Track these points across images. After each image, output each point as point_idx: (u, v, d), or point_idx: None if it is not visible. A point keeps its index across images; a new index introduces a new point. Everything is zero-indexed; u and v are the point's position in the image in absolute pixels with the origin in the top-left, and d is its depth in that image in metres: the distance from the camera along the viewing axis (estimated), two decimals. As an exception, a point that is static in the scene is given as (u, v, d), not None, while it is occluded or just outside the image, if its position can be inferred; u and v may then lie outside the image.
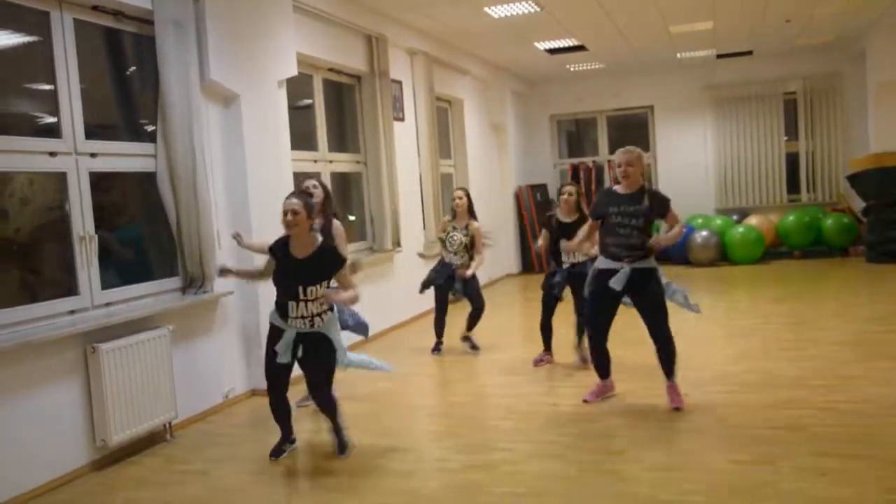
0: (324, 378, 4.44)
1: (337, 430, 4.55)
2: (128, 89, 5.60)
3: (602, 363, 5.28)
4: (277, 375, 4.44)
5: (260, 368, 5.95)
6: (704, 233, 12.34)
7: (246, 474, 4.33)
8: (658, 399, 5.14)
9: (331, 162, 7.83)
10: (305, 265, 4.25)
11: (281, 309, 4.35)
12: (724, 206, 13.68)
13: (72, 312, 4.62)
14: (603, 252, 5.08)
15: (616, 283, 4.91)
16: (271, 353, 4.39)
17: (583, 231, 5.47)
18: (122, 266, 5.25)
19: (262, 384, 5.92)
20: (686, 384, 5.29)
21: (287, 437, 4.64)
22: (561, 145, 15.29)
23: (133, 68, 5.56)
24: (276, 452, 4.58)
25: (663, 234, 5.05)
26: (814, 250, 12.50)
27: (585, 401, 5.26)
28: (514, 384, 5.95)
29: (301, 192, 4.36)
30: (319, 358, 4.37)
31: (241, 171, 5.94)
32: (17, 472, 4.10)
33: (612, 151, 14.56)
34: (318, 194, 5.36)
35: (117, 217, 5.49)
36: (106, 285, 4.88)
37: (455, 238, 6.95)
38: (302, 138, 7.29)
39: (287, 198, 4.28)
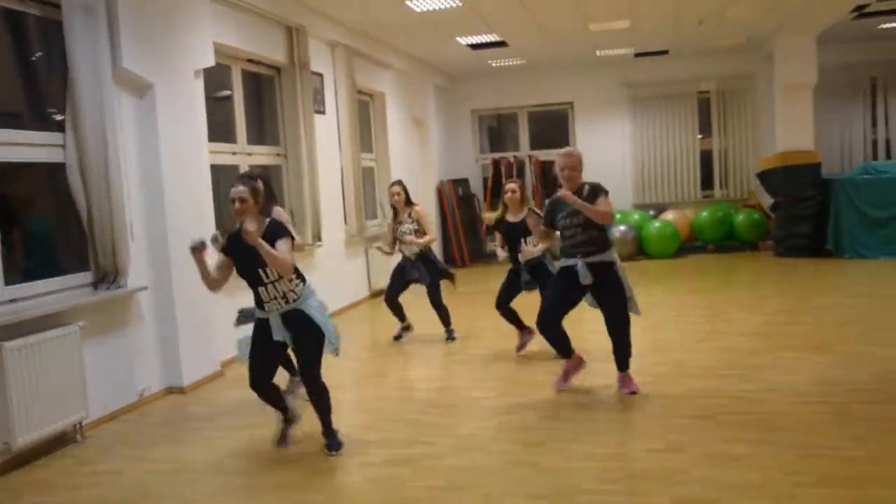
0: (311, 358, 4.31)
1: (326, 424, 4.42)
2: (33, 76, 5.37)
3: (562, 342, 5.37)
4: (266, 371, 4.40)
5: (176, 365, 5.88)
6: (622, 227, 12.64)
7: (159, 474, 4.22)
8: (577, 390, 5.26)
9: (250, 154, 7.69)
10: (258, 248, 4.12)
11: (258, 301, 4.30)
12: (641, 202, 14.05)
13: (-27, 309, 4.41)
14: (562, 253, 5.22)
15: (583, 279, 5.01)
16: (259, 349, 4.33)
17: (538, 237, 5.58)
18: (29, 260, 5.04)
19: (179, 381, 5.86)
20: (605, 376, 5.43)
21: (285, 414, 4.55)
22: (483, 140, 15.41)
23: (39, 54, 5.34)
24: (282, 439, 4.54)
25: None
26: (726, 244, 12.99)
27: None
28: (438, 377, 5.98)
29: (245, 176, 4.24)
30: (304, 337, 4.27)
31: (156, 162, 5.77)
32: (-86, 478, 3.90)
33: (533, 147, 14.79)
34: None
35: (23, 209, 5.27)
36: (10, 281, 4.67)
37: (406, 230, 6.98)
38: (220, 130, 7.13)
39: (233, 185, 4.15)
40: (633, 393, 5.12)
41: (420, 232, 6.98)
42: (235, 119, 7.51)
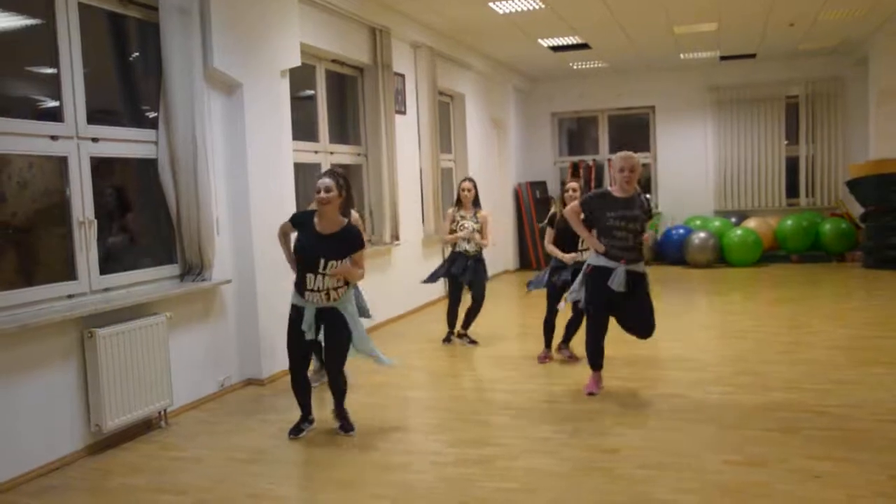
0: (339, 355, 4.59)
1: (340, 411, 4.76)
2: (131, 75, 5.58)
3: (600, 355, 5.39)
4: (299, 355, 4.62)
5: (256, 357, 6.02)
6: (702, 234, 12.35)
7: (239, 463, 4.33)
8: (654, 397, 5.16)
9: (331, 153, 7.82)
10: (328, 240, 4.42)
11: (299, 283, 4.50)
12: (722, 208, 13.69)
13: (70, 297, 4.61)
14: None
15: (617, 285, 5.02)
16: (295, 333, 4.55)
17: (582, 229, 5.41)
18: (121, 252, 5.24)
19: (258, 373, 5.99)
20: (682, 385, 5.31)
21: (307, 415, 4.79)
22: (561, 143, 15.28)
23: (136, 54, 5.55)
24: (296, 430, 4.74)
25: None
26: (811, 255, 12.51)
27: (591, 394, 5.32)
28: (511, 379, 5.95)
29: (332, 171, 4.57)
30: (336, 335, 4.52)
31: (242, 160, 5.92)
32: (12, 455, 4.10)
33: (612, 150, 14.57)
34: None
35: (118, 203, 5.47)
36: (104, 270, 4.87)
37: (466, 226, 6.98)
38: (303, 129, 7.27)
39: (320, 176, 4.48)
40: (592, 394, 5.28)
41: (479, 233, 6.99)
42: (318, 118, 7.65)
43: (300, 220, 4.57)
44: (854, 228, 12.23)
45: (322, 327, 4.52)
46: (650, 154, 14.35)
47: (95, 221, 4.76)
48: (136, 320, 4.78)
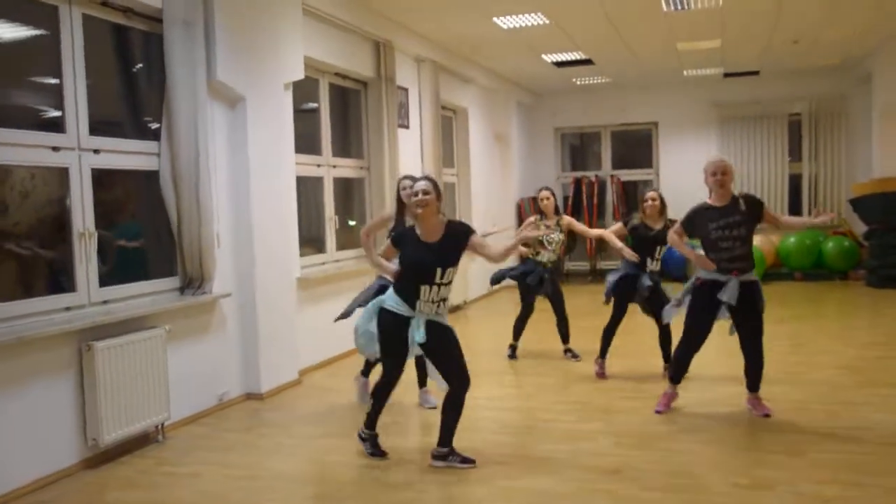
0: (459, 368, 4.26)
1: (450, 430, 4.32)
2: (134, 87, 5.57)
3: (683, 370, 5.27)
4: (402, 362, 4.38)
5: (255, 372, 5.97)
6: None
7: (235, 480, 4.27)
8: (655, 417, 5.11)
9: (334, 167, 7.79)
10: (441, 247, 4.16)
11: (410, 295, 4.20)
12: (725, 225, 13.62)
13: (68, 309, 4.57)
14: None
15: (729, 297, 4.84)
16: (396, 340, 4.27)
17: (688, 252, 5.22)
18: (120, 264, 5.20)
19: (257, 388, 5.94)
20: (687, 404, 5.26)
21: (372, 428, 4.55)
22: (564, 158, 15.27)
23: (140, 66, 5.53)
24: (380, 450, 4.53)
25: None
26: (814, 273, 12.44)
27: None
28: (513, 397, 5.89)
29: (428, 175, 4.38)
30: (450, 348, 4.27)
31: (245, 173, 5.90)
32: (8, 468, 4.05)
33: (615, 166, 14.57)
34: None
35: (118, 215, 5.45)
36: (104, 283, 4.83)
37: (553, 238, 6.86)
38: (306, 142, 7.25)
39: (415, 180, 4.29)
40: (767, 415, 5.02)
41: (564, 244, 6.93)
42: (321, 131, 7.63)
43: (401, 239, 4.31)
44: (857, 247, 12.19)
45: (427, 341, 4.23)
46: (653, 170, 14.34)
47: (96, 233, 4.73)
48: (134, 333, 4.74)
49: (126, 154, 5.08)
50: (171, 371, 5.03)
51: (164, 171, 5.20)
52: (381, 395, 4.50)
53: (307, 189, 7.37)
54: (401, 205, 5.51)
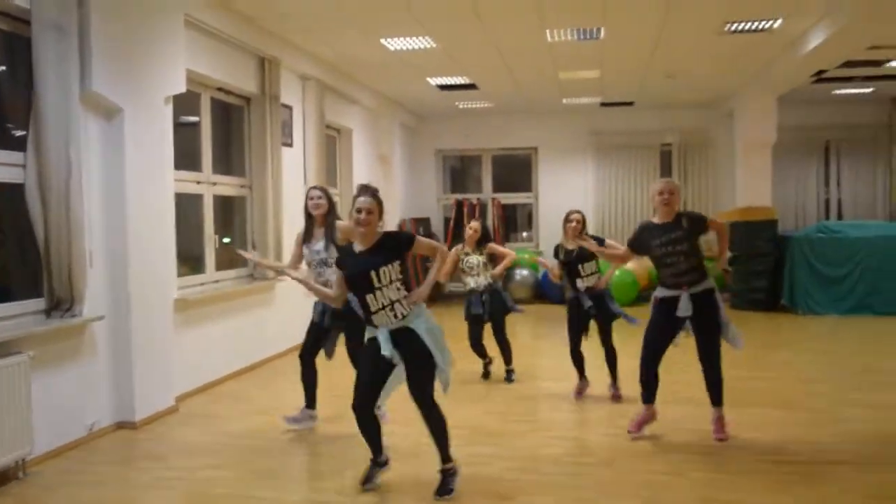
0: (423, 381, 4.16)
1: (443, 447, 4.25)
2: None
3: (650, 386, 5.30)
4: (371, 392, 4.21)
5: (129, 399, 5.66)
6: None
7: (110, 518, 4.00)
8: (554, 441, 5.17)
9: (214, 184, 7.53)
10: (370, 252, 4.14)
11: (365, 311, 4.15)
12: (601, 249, 14.11)
13: (-83, 334, 4.16)
14: (660, 283, 5.18)
15: (683, 311, 4.97)
16: (367, 370, 4.20)
17: (612, 256, 5.54)
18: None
19: (130, 416, 5.62)
20: (577, 425, 5.33)
21: (376, 457, 4.36)
22: (446, 180, 15.43)
23: (2, 68, 5.15)
24: (367, 479, 4.34)
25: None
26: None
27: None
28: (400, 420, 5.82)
29: (368, 187, 4.25)
30: (415, 358, 4.13)
31: (120, 188, 5.60)
32: None
33: (495, 189, 14.85)
34: (323, 204, 5.44)
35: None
36: (-42, 305, 4.44)
37: (474, 262, 6.89)
38: (185, 158, 6.96)
39: (358, 195, 4.19)
40: (722, 440, 5.10)
41: (488, 264, 6.90)
42: (202, 147, 7.36)
43: (343, 259, 4.28)
44: (723, 272, 12.89)
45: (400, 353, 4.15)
46: (532, 194, 14.70)
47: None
48: (-6, 360, 4.36)
49: (-13, 165, 4.71)
50: (34, 400, 4.66)
51: (30, 183, 4.84)
52: (361, 429, 4.32)
53: (186, 207, 7.07)
54: (308, 215, 5.52)
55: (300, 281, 4.47)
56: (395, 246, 4.17)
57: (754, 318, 11.05)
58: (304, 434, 5.47)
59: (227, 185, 7.85)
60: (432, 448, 4.25)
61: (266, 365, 7.99)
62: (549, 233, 14.24)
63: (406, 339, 4.14)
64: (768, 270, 11.55)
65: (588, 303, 6.23)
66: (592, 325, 6.38)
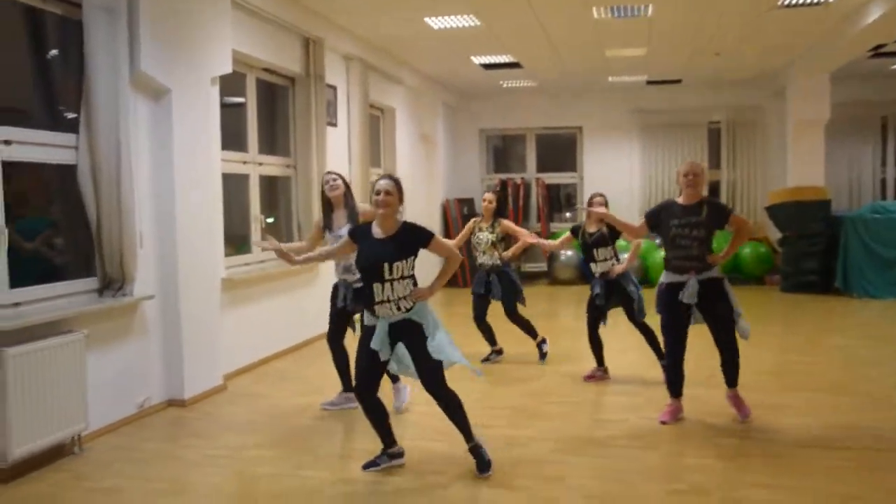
0: (434, 371, 4.16)
1: (464, 429, 4.27)
2: (49, 74, 5.26)
3: (676, 380, 5.26)
4: (367, 377, 4.25)
5: (179, 377, 5.76)
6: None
7: (159, 495, 4.06)
8: (592, 424, 5.14)
9: (260, 164, 7.58)
10: (389, 242, 4.14)
11: (367, 297, 4.17)
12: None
13: (-25, 312, 4.27)
14: (666, 266, 5.14)
15: (688, 298, 4.95)
16: (363, 354, 4.23)
17: (624, 226, 5.47)
18: (36, 263, 4.90)
19: (180, 394, 5.71)
20: (616, 409, 5.28)
21: (388, 445, 4.38)
22: (489, 160, 15.35)
23: (56, 52, 5.23)
24: (370, 464, 4.37)
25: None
26: (731, 277, 12.67)
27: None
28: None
29: (392, 175, 4.31)
30: (421, 348, 4.13)
31: (169, 168, 5.66)
32: None
33: (540, 169, 14.73)
34: (340, 186, 5.40)
35: (33, 211, 5.14)
36: (15, 283, 4.54)
37: (483, 238, 6.85)
38: (231, 138, 7.02)
39: (380, 179, 4.24)
40: (747, 416, 5.12)
41: (498, 244, 6.83)
42: (248, 128, 7.41)
43: (358, 233, 4.30)
44: (772, 253, 12.65)
45: (404, 342, 4.17)
46: (577, 174, 14.56)
47: (6, 230, 4.43)
48: (49, 338, 4.45)
49: (40, 146, 4.79)
50: (89, 378, 4.76)
51: (83, 165, 4.93)
52: (366, 415, 4.36)
53: (232, 187, 7.14)
54: (326, 200, 5.50)
55: (274, 249, 4.49)
56: (413, 240, 4.17)
57: (806, 300, 10.82)
58: (346, 414, 5.50)
59: (273, 165, 7.90)
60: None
61: (309, 345, 8.06)
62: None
63: (407, 329, 4.15)
64: (820, 252, 11.28)
65: (596, 289, 6.20)
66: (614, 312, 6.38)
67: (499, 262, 6.84)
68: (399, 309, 4.12)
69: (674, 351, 5.18)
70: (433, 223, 12.98)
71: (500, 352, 7.18)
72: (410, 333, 4.15)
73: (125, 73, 5.09)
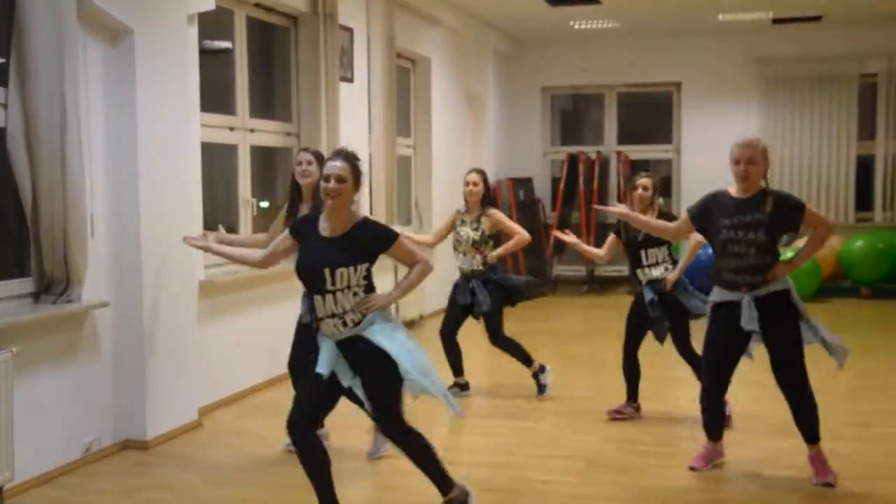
0: (387, 402, 4.24)
1: (435, 478, 4.32)
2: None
3: (715, 420, 5.30)
4: (304, 408, 4.25)
5: (140, 411, 5.80)
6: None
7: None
8: (688, 477, 5.04)
9: (252, 131, 7.62)
10: (337, 244, 4.19)
11: (312, 312, 4.30)
12: (767, 223, 13.67)
13: None
14: (716, 280, 5.10)
15: (748, 323, 4.89)
16: (306, 379, 4.36)
17: (657, 228, 5.57)
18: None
19: (140, 433, 5.74)
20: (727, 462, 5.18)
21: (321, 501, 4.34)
22: (554, 128, 15.27)
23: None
24: None
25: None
26: (888, 288, 12.54)
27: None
28: (491, 449, 5.77)
29: (345, 151, 4.32)
30: (374, 372, 4.19)
31: (131, 135, 5.69)
32: None
33: (622, 140, 14.59)
34: (314, 172, 5.36)
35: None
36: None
37: (464, 235, 6.87)
38: (213, 97, 7.05)
39: (329, 158, 4.29)
40: (829, 485, 4.97)
41: (483, 244, 6.82)
42: (236, 83, 7.45)
43: (300, 227, 4.37)
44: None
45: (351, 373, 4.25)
46: (672, 147, 14.40)
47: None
48: (-33, 358, 4.48)
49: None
50: (18, 410, 4.76)
51: (14, 129, 4.95)
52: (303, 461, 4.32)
53: (214, 161, 7.16)
54: (295, 186, 5.57)
55: (202, 248, 4.70)
56: (369, 243, 4.21)
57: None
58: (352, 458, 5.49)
59: (269, 133, 7.94)
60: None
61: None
62: (695, 198, 13.88)
63: (356, 352, 4.19)
64: None
65: (649, 295, 6.16)
66: None
67: (481, 266, 6.83)
68: (345, 325, 4.16)
69: (711, 386, 5.22)
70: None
71: (465, 386, 7.17)
72: (360, 355, 4.19)
73: (71, 7, 5.09)
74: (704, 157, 13.74)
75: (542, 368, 7.04)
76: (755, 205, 4.91)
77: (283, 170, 8.29)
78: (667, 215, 6.12)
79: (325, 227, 4.22)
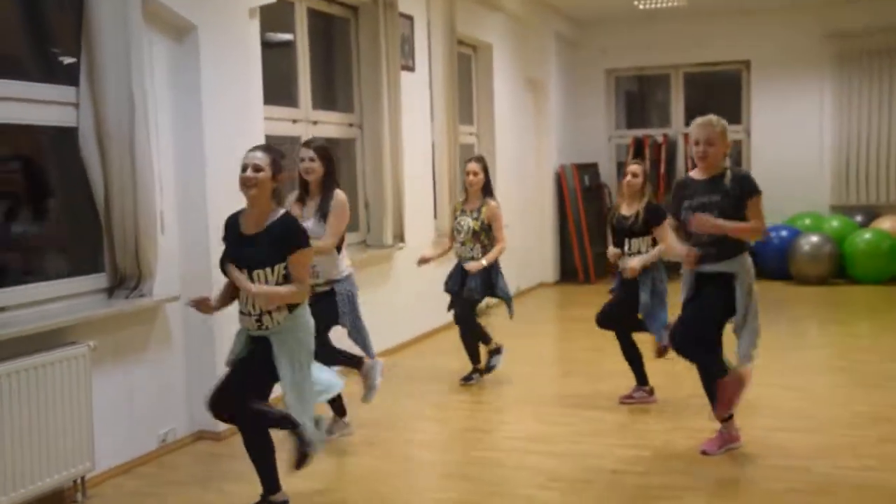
0: (248, 388, 4.38)
1: (267, 489, 4.50)
2: (38, 12, 5.42)
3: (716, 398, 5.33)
4: (223, 388, 4.39)
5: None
6: (814, 238, 12.17)
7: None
8: (761, 469, 5.03)
9: (315, 123, 7.69)
10: (254, 242, 4.28)
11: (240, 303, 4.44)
12: (843, 203, 13.49)
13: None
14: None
15: (684, 292, 5.19)
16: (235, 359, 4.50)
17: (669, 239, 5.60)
18: (24, 257, 5.09)
19: (213, 424, 5.83)
20: (797, 454, 5.24)
21: (269, 491, 4.50)
22: (619, 111, 15.18)
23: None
24: None
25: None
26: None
27: (704, 452, 5.26)
28: (554, 438, 5.79)
29: (268, 145, 4.43)
30: (253, 368, 4.36)
31: (197, 130, 5.80)
32: None
33: (689, 121, 14.38)
34: (317, 169, 5.45)
35: (19, 188, 5.33)
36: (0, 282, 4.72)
37: (463, 225, 6.92)
38: (276, 89, 7.14)
39: (250, 150, 4.33)
40: (704, 453, 5.24)
41: (483, 233, 6.87)
42: (298, 75, 7.52)
43: (226, 230, 4.49)
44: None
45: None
46: (741, 127, 14.19)
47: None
48: (45, 352, 4.61)
49: (29, 103, 4.91)
50: (96, 403, 4.91)
51: (85, 128, 5.08)
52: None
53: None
54: (303, 183, 5.62)
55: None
56: (281, 241, 4.25)
57: None
58: (435, 451, 5.52)
59: (331, 124, 8.01)
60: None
61: (387, 357, 8.10)
62: (767, 180, 13.60)
63: (259, 352, 4.34)
64: None
65: (616, 282, 6.39)
66: None
67: (480, 256, 6.86)
68: (262, 326, 4.28)
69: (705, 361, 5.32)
70: (544, 197, 12.94)
71: (481, 371, 7.20)
72: (261, 353, 4.33)
73: (136, 5, 5.19)
74: (775, 138, 13.66)
75: (498, 349, 7.13)
76: (713, 186, 5.03)
77: (348, 160, 8.34)
78: (655, 207, 6.16)
79: (244, 223, 4.33)
